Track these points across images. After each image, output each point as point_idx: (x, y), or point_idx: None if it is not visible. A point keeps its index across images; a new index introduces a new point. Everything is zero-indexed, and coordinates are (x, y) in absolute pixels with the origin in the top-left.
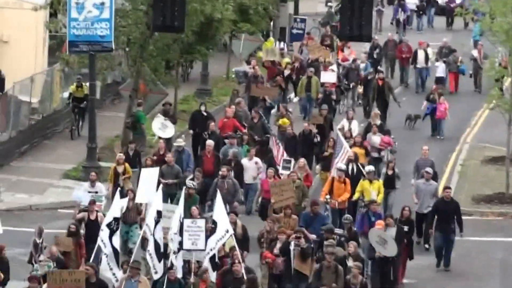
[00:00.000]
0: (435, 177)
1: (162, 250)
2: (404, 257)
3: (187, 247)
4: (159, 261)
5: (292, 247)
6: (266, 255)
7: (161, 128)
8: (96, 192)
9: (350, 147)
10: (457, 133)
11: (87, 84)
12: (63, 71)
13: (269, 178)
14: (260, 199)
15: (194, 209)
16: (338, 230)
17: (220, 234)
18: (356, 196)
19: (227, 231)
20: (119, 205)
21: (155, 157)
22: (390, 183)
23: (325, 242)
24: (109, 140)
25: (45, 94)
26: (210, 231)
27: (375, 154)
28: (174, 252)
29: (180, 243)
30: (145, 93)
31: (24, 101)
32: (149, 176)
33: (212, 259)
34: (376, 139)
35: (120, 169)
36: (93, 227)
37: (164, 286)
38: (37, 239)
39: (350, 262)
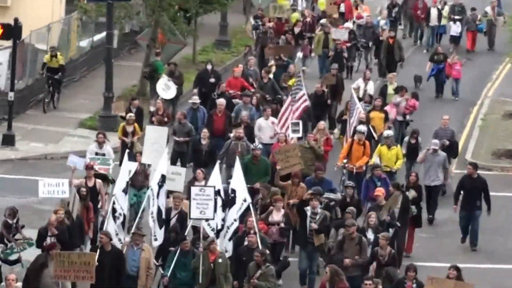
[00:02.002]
0: (455, 148)
1: (164, 216)
2: (411, 227)
3: (195, 216)
4: (160, 228)
5: (308, 212)
6: (259, 225)
7: (164, 88)
8: (104, 155)
9: (370, 111)
10: (476, 89)
11: (62, 54)
12: (81, 20)
13: (280, 142)
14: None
15: (199, 172)
16: (330, 195)
17: (239, 204)
18: (372, 161)
19: (245, 200)
20: (127, 168)
21: (153, 118)
22: (413, 153)
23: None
24: (126, 90)
25: (62, 43)
26: (230, 201)
27: (399, 118)
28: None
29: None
30: (163, 43)
31: (41, 50)
32: (156, 135)
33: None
34: (402, 102)
35: (129, 129)
36: (91, 194)
37: (177, 257)
38: (9, 220)
39: (369, 234)
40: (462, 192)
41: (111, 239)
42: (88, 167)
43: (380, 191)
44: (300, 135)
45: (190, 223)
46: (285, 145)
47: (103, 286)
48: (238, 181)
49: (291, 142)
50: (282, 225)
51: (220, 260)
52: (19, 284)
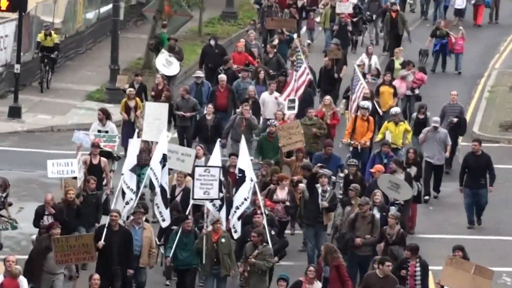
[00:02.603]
0: (463, 125)
1: (169, 195)
2: (413, 203)
3: (198, 197)
4: (166, 208)
5: (319, 190)
6: (265, 203)
7: (165, 64)
8: (107, 132)
9: (379, 85)
10: (483, 61)
11: (57, 32)
12: None
13: (278, 120)
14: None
15: (199, 149)
16: (324, 171)
17: (248, 183)
18: (379, 138)
19: (251, 180)
20: (134, 146)
21: (153, 93)
22: (421, 129)
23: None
24: (132, 62)
25: (68, 15)
26: (239, 180)
27: (408, 92)
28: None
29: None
30: (169, 15)
31: (47, 22)
32: (157, 112)
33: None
34: (409, 76)
35: (131, 103)
36: (95, 172)
37: (178, 237)
38: None
39: (375, 211)
40: (466, 170)
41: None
42: (94, 145)
43: (376, 169)
44: (295, 111)
45: (191, 203)
46: (288, 122)
47: (112, 266)
48: (245, 161)
49: (287, 120)
50: (288, 203)
51: (223, 240)
52: (18, 266)
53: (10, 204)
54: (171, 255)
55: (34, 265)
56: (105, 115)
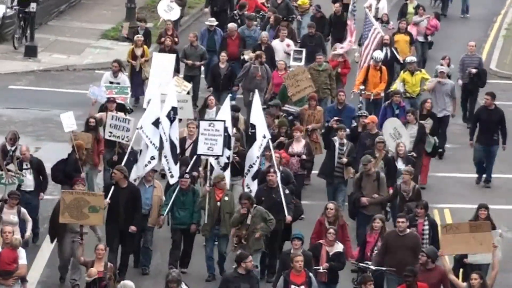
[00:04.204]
0: (483, 77)
1: (178, 151)
2: (425, 157)
3: (202, 152)
4: (175, 163)
5: (337, 144)
6: (279, 153)
7: (166, 10)
8: (119, 83)
9: (394, 34)
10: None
11: None
12: None
13: (279, 70)
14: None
15: (211, 99)
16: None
17: (260, 140)
18: (394, 87)
19: (264, 137)
20: (157, 98)
21: (162, 39)
22: None
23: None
24: (148, 1)
25: None
26: (250, 138)
27: (420, 38)
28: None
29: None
30: None
31: None
32: (163, 64)
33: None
34: (422, 22)
35: (138, 51)
36: None
37: (175, 195)
38: (8, 145)
39: (400, 163)
40: (478, 124)
41: (126, 176)
42: (110, 100)
43: (371, 119)
44: (302, 63)
45: (193, 159)
46: (293, 69)
47: (119, 225)
48: (258, 116)
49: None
50: (304, 156)
51: (226, 198)
52: (18, 236)
53: (18, 158)
54: (165, 213)
55: (57, 222)
56: (120, 67)
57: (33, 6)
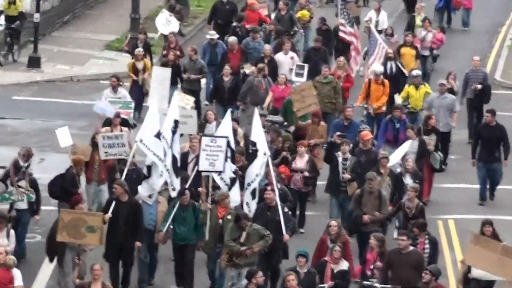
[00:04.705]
0: (488, 92)
1: (179, 164)
2: (428, 171)
3: (203, 168)
4: (177, 177)
5: (340, 159)
6: (279, 170)
7: (164, 23)
8: (120, 98)
9: (400, 46)
10: (504, 9)
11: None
12: None
13: (280, 84)
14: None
15: (210, 113)
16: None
17: (261, 158)
18: (398, 101)
19: (264, 154)
20: (155, 111)
21: (165, 52)
22: None
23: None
24: (153, 11)
25: None
26: (251, 155)
27: (425, 52)
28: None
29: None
30: None
31: None
32: (160, 77)
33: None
34: (428, 35)
35: (139, 65)
36: None
37: (175, 211)
38: (21, 161)
39: (407, 179)
40: (480, 141)
41: (126, 190)
42: (115, 115)
43: (362, 136)
44: (304, 79)
45: (192, 175)
46: (300, 84)
47: (118, 239)
48: (258, 133)
49: (290, 85)
50: (306, 173)
51: (229, 217)
52: (12, 256)
53: (30, 175)
54: (164, 230)
55: (55, 241)
56: (118, 82)
57: (36, 17)
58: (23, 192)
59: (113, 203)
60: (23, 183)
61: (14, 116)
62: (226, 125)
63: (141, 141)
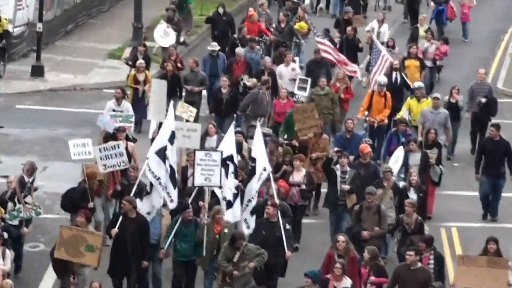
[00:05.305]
0: (494, 105)
1: (177, 176)
2: (431, 186)
3: (199, 183)
4: (174, 188)
5: (338, 172)
6: (279, 184)
7: (162, 35)
8: (122, 112)
9: (404, 58)
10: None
11: (6, 17)
12: None
13: (281, 99)
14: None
15: (211, 127)
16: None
17: (258, 173)
18: (400, 114)
19: (265, 169)
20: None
21: (165, 64)
22: (453, 114)
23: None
24: (155, 20)
25: None
26: (250, 171)
27: (428, 63)
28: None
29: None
30: None
31: None
32: (157, 90)
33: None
34: (430, 47)
35: (140, 77)
36: None
37: (177, 226)
38: (26, 177)
39: (412, 193)
40: (483, 156)
41: (135, 206)
42: (120, 129)
43: (361, 149)
44: (306, 94)
45: (195, 190)
46: (302, 105)
47: (126, 255)
48: (259, 149)
49: (292, 99)
50: (303, 186)
51: (226, 231)
52: (10, 281)
53: (36, 189)
54: (166, 246)
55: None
56: (123, 94)
57: (39, 26)
58: (30, 208)
59: (120, 218)
60: (29, 199)
61: (17, 125)
62: (229, 141)
63: (147, 158)
